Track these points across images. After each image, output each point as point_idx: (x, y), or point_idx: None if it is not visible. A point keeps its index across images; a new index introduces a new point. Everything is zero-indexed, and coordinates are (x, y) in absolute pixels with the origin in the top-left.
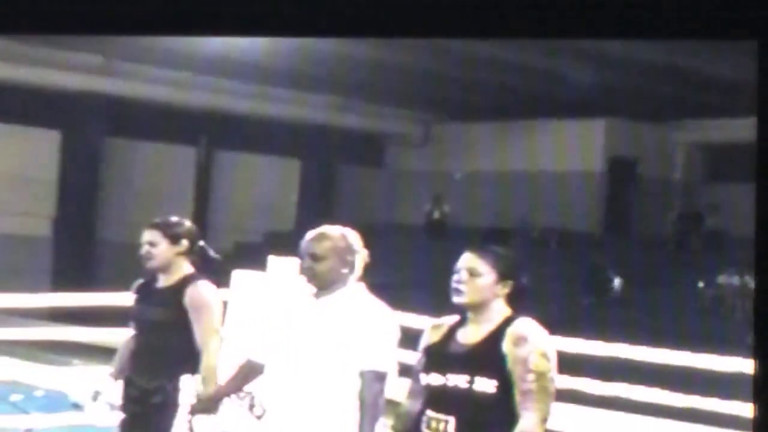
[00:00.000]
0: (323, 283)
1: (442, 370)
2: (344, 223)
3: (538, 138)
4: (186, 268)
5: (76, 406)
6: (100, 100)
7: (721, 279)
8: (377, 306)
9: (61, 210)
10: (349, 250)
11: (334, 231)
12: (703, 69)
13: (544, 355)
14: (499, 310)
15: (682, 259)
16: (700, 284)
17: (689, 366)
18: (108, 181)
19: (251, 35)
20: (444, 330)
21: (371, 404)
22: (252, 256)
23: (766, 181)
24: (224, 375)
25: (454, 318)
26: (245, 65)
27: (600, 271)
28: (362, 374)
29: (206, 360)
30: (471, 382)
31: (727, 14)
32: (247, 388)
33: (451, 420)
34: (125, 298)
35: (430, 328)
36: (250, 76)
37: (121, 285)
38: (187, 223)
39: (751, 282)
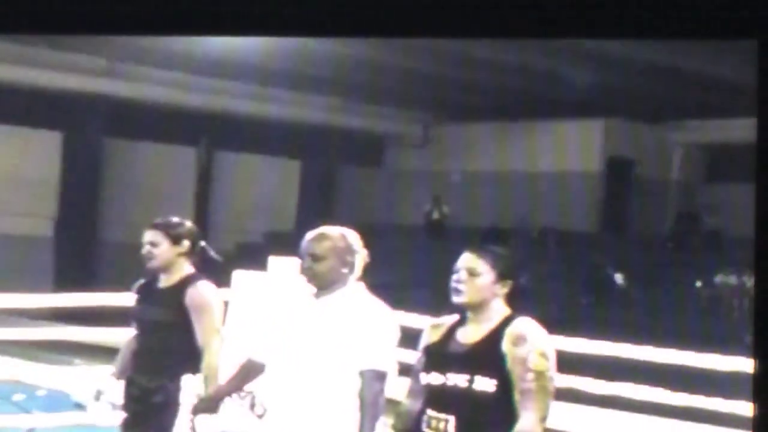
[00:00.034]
0: (323, 283)
1: (442, 369)
2: (344, 224)
3: (537, 138)
4: (187, 268)
5: (78, 406)
6: (101, 102)
7: (719, 279)
8: (377, 306)
9: (63, 210)
10: (349, 250)
11: (334, 231)
12: (701, 70)
13: (543, 355)
14: (499, 309)
15: (680, 258)
16: (698, 284)
17: (688, 365)
18: (109, 182)
19: (251, 35)
20: (444, 329)
21: (371, 403)
22: (252, 256)
23: (766, 181)
24: (225, 375)
25: (454, 317)
26: (245, 66)
27: (600, 270)
28: (362, 374)
29: (207, 360)
30: (471, 381)
31: (727, 14)
32: (247, 387)
33: (451, 419)
34: (126, 298)
35: (430, 327)
36: (251, 77)
37: (122, 285)
38: (189, 224)
39: (748, 281)
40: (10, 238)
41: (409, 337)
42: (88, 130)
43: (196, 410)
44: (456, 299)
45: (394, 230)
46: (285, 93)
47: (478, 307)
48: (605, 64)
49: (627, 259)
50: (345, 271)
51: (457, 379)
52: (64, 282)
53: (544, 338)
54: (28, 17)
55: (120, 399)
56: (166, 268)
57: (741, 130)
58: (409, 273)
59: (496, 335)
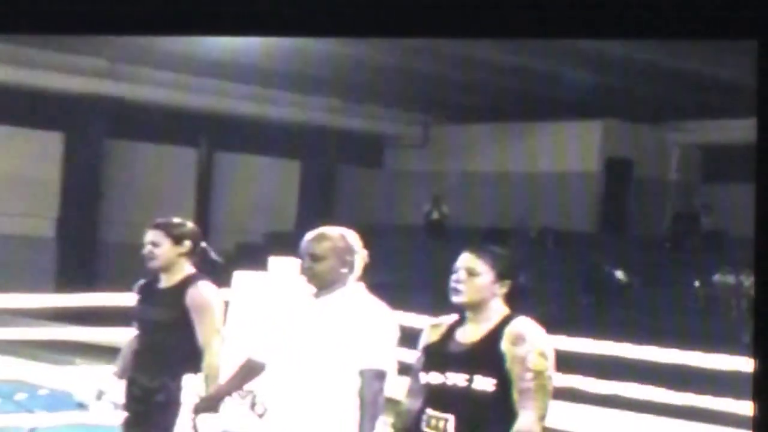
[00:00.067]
0: (323, 283)
1: (442, 368)
2: (344, 224)
3: (536, 139)
4: (187, 268)
5: (80, 405)
6: (103, 103)
7: (717, 278)
8: (377, 305)
9: (64, 211)
10: (349, 250)
11: (334, 231)
12: (700, 71)
13: (542, 354)
14: (498, 309)
15: (678, 258)
16: (696, 283)
17: (686, 364)
18: (110, 183)
19: (251, 35)
20: (443, 329)
21: (371, 403)
22: (253, 256)
23: (766, 181)
24: (226, 374)
25: (453, 317)
26: (245, 67)
27: (599, 269)
28: (362, 373)
29: (208, 359)
30: (470, 380)
31: (727, 14)
32: (248, 387)
33: (451, 418)
34: (127, 298)
35: (430, 327)
36: (251, 79)
37: (123, 285)
38: (190, 225)
39: (746, 281)
40: (11, 239)
41: (409, 337)
42: (90, 131)
43: (197, 409)
44: (455, 299)
45: (394, 230)
46: (285, 94)
47: (477, 307)
48: (604, 65)
49: (626, 259)
50: (345, 271)
51: (457, 379)
52: (65, 282)
53: (543, 338)
54: (28, 17)
55: (121, 398)
56: (167, 268)
57: (739, 130)
58: (408, 273)
59: (495, 335)
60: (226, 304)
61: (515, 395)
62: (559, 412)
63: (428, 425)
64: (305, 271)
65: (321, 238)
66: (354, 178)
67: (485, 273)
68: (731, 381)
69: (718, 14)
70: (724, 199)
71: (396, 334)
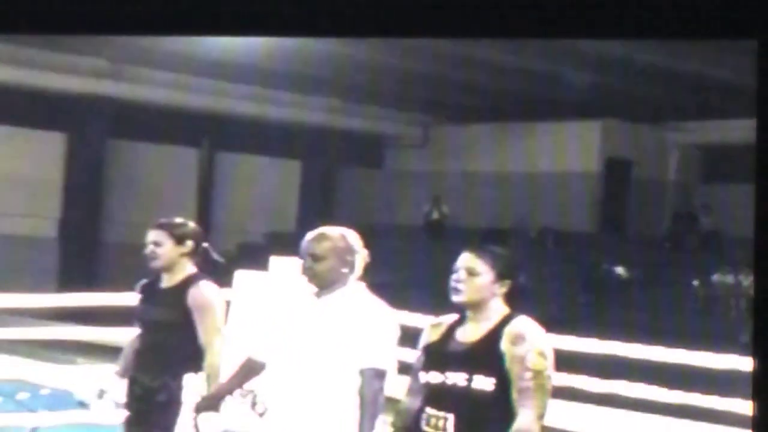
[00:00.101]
0: (323, 283)
1: (442, 368)
2: (344, 224)
3: (536, 139)
4: (189, 268)
5: (82, 404)
6: (104, 103)
7: (716, 278)
8: (377, 305)
9: (66, 211)
10: (349, 250)
11: (334, 231)
12: (699, 71)
13: (542, 354)
14: (498, 309)
15: (678, 258)
16: (695, 283)
17: (685, 363)
18: (112, 183)
19: (251, 35)
20: (443, 329)
21: (371, 401)
22: (254, 256)
23: (765, 182)
24: (227, 374)
25: (453, 317)
26: (246, 68)
27: (599, 268)
28: (362, 372)
29: (210, 359)
30: (469, 379)
31: (727, 14)
32: (249, 386)
33: (450, 417)
34: (129, 298)
35: (430, 326)
36: (252, 79)
37: (125, 285)
38: (192, 225)
39: (745, 281)
40: (14, 239)
41: (409, 336)
42: (91, 132)
43: (199, 409)
44: (455, 298)
45: (394, 230)
46: (286, 95)
47: (477, 307)
48: (604, 65)
49: (625, 259)
50: (345, 270)
51: (456, 378)
52: (67, 282)
53: (543, 337)
54: (29, 18)
55: (123, 397)
56: (169, 267)
57: (739, 130)
58: (408, 273)
59: (495, 334)
60: (228, 303)
61: (514, 394)
62: (558, 411)
63: (428, 424)
64: (306, 270)
65: (321, 238)
66: (354, 178)
67: (485, 273)
68: (730, 380)
69: (718, 14)
70: (723, 199)
71: (396, 334)
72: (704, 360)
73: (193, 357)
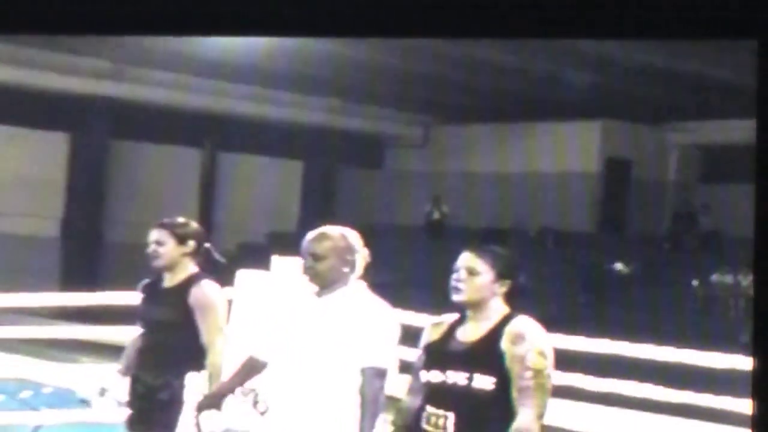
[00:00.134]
0: (324, 282)
1: (442, 367)
2: (345, 224)
3: (536, 139)
4: (191, 268)
5: (84, 403)
6: (107, 104)
7: (715, 278)
8: (378, 304)
9: (69, 211)
10: (350, 249)
11: (335, 231)
12: (698, 71)
13: (542, 353)
14: (498, 308)
15: (677, 258)
16: (695, 283)
17: (684, 362)
18: (113, 183)
19: (251, 35)
20: (444, 328)
21: (372, 400)
22: (255, 256)
23: (765, 182)
24: (229, 372)
25: (454, 316)
26: (247, 68)
27: (599, 267)
28: (363, 371)
29: (212, 358)
30: (470, 379)
31: (727, 14)
32: (251, 385)
33: (450, 416)
34: (131, 297)
35: (430, 326)
36: (253, 80)
37: (127, 284)
38: (194, 225)
39: (744, 281)
40: (17, 238)
41: (410, 335)
42: (94, 132)
43: (200, 407)
44: (455, 298)
45: (395, 230)
46: (287, 95)
47: (477, 306)
48: (604, 66)
49: (625, 259)
50: (346, 270)
51: (457, 377)
52: (69, 281)
53: (543, 337)
54: (30, 18)
55: (125, 396)
56: (171, 267)
57: (738, 131)
58: (409, 273)
59: (495, 334)
60: (229, 303)
61: (514, 393)
62: (558, 410)
63: (428, 423)
64: (307, 270)
65: (322, 237)
66: (355, 179)
67: (485, 272)
68: (729, 379)
69: (718, 14)
70: (723, 199)
71: (397, 333)
72: (704, 359)
73: (195, 356)
